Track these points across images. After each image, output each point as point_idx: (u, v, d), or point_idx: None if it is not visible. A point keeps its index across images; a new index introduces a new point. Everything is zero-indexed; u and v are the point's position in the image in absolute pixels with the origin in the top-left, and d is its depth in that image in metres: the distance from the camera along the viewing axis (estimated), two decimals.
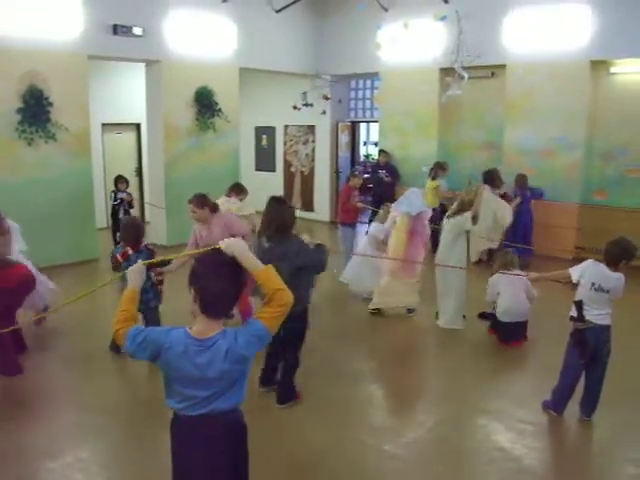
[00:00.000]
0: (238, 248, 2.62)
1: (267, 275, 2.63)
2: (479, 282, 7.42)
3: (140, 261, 2.94)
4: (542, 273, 5.57)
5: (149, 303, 5.99)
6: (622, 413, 5.17)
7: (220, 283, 2.55)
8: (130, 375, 6.08)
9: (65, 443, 4.72)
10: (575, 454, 4.80)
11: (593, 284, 4.74)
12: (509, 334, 6.74)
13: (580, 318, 4.80)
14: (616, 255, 4.72)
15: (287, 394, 5.26)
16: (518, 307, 6.73)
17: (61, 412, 5.21)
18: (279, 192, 15.76)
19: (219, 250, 2.62)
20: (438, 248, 7.38)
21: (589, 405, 5.01)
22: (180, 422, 2.68)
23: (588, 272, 4.78)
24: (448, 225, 7.15)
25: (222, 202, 7.90)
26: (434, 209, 11.04)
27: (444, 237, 7.19)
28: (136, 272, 2.84)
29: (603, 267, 4.74)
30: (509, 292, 6.72)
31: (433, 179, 11.09)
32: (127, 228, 6.21)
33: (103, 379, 5.84)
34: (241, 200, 8.42)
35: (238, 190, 8.52)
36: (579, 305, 4.80)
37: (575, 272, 4.85)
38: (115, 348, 6.17)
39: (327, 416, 5.13)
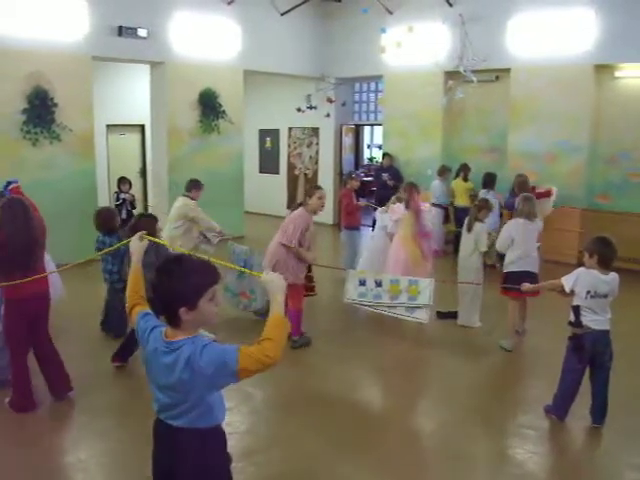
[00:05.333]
0: (276, 286, 2.55)
1: (277, 322, 2.47)
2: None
3: (139, 234, 3.09)
4: (535, 284, 5.57)
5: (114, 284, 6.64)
6: (626, 418, 5.14)
7: (164, 282, 2.44)
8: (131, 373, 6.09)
9: (68, 443, 4.72)
10: (578, 459, 4.77)
11: (588, 292, 4.71)
12: (517, 283, 6.20)
13: (578, 323, 4.79)
14: (609, 257, 4.69)
15: None
16: (529, 258, 6.55)
17: (64, 413, 5.22)
18: (283, 194, 15.81)
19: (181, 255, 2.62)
20: (459, 252, 7.54)
21: (599, 412, 4.97)
22: (154, 421, 2.68)
23: (580, 281, 4.73)
24: (468, 238, 7.28)
25: (183, 205, 7.90)
26: (445, 207, 11.14)
27: (464, 243, 7.38)
28: (134, 247, 3.02)
29: (595, 273, 4.71)
30: (522, 242, 6.55)
31: (465, 180, 11.28)
32: (97, 217, 6.91)
33: (104, 379, 5.84)
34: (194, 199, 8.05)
35: (198, 186, 8.15)
36: (576, 310, 4.78)
37: (567, 282, 4.80)
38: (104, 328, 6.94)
39: (324, 422, 5.12)
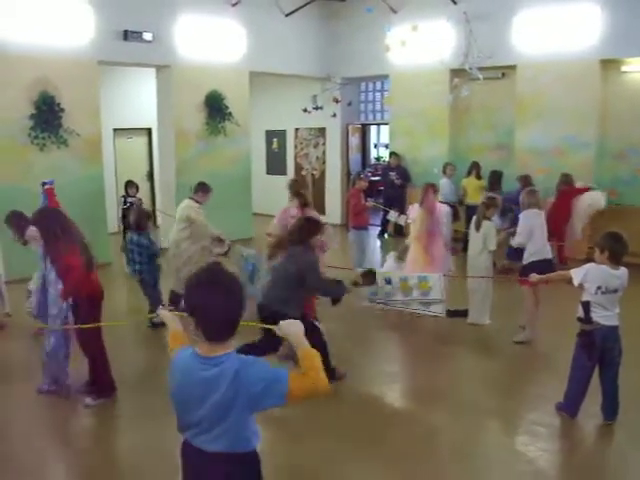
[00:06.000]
0: (295, 331, 2.50)
1: (308, 355, 2.43)
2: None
3: (166, 310, 3.13)
4: (544, 275, 5.54)
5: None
6: (637, 415, 5.11)
7: (217, 305, 2.32)
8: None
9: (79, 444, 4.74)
10: (590, 457, 4.75)
11: (599, 288, 4.67)
12: (539, 272, 6.18)
13: (587, 320, 4.76)
14: (620, 252, 4.67)
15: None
16: (547, 246, 6.68)
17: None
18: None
19: (216, 264, 2.55)
20: (468, 251, 7.52)
21: (610, 408, 4.94)
22: (182, 444, 2.55)
23: (591, 277, 4.70)
24: (477, 237, 7.24)
25: (186, 206, 7.72)
26: (453, 205, 11.16)
27: (473, 242, 7.33)
28: (165, 318, 2.98)
29: (605, 268, 4.67)
30: (541, 232, 6.64)
31: (478, 178, 11.24)
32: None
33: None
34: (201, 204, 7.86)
35: (205, 190, 7.91)
36: (586, 306, 4.75)
37: (577, 276, 4.77)
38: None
39: (333, 419, 5.12)
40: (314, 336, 5.27)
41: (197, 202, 7.79)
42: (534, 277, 5.54)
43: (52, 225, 5.11)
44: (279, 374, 2.33)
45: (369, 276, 6.82)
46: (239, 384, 2.29)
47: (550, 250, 6.73)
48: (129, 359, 6.45)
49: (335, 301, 5.90)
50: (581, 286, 4.76)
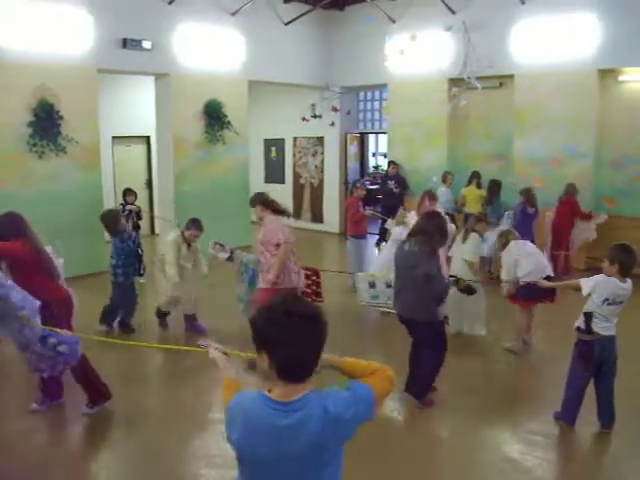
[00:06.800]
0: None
1: (354, 361, 2.32)
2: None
3: (219, 349, 2.68)
4: (552, 284, 5.58)
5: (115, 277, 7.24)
6: (636, 424, 5.10)
7: (300, 343, 2.02)
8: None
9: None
10: (587, 466, 4.73)
11: (607, 299, 4.67)
12: (534, 292, 6.38)
13: (588, 330, 4.75)
14: (630, 265, 4.66)
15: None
16: (538, 266, 6.47)
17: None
18: (289, 204, 15.77)
19: (294, 294, 2.21)
20: (452, 262, 7.40)
21: (607, 416, 4.94)
22: None
23: (600, 288, 4.69)
24: (461, 248, 7.20)
25: (168, 241, 7.26)
26: (451, 214, 11.19)
27: (457, 253, 7.26)
28: (217, 359, 2.64)
29: (614, 280, 4.66)
30: (526, 260, 6.50)
31: (478, 187, 11.25)
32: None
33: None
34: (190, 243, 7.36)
35: (198, 226, 7.34)
36: (589, 317, 4.74)
37: (586, 285, 4.76)
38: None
39: None
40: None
41: (185, 240, 7.26)
42: (543, 283, 5.63)
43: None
44: (359, 390, 2.14)
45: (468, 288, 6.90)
46: (331, 422, 2.04)
47: (546, 267, 6.56)
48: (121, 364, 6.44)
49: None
50: (589, 295, 4.75)
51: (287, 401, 2.04)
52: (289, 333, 2.00)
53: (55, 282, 5.25)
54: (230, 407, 2.17)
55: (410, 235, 5.45)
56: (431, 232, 5.29)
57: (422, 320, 5.29)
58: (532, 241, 9.34)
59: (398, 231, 8.20)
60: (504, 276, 6.68)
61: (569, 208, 9.98)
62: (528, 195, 9.97)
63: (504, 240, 6.80)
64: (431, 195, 8.68)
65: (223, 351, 2.68)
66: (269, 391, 2.09)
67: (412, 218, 8.20)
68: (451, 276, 6.25)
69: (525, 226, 9.37)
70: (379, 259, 8.89)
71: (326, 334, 2.09)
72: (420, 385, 5.49)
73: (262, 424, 2.04)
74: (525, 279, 6.51)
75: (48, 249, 6.47)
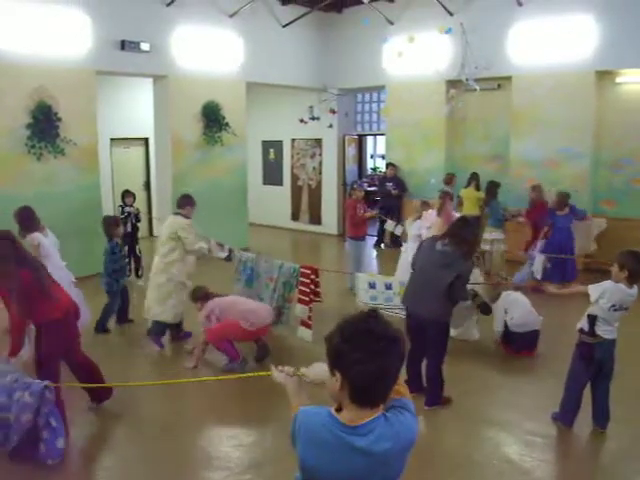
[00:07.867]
0: (320, 373, 2.25)
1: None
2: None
3: (291, 372, 2.50)
4: (559, 290, 5.65)
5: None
6: (635, 424, 5.12)
7: (379, 365, 1.91)
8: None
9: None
10: (585, 466, 4.74)
11: (613, 306, 4.66)
12: (522, 344, 6.72)
13: (592, 333, 4.75)
14: (639, 272, 4.64)
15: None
16: (530, 317, 6.74)
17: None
18: (287, 206, 15.82)
19: (372, 312, 2.04)
20: None
21: (602, 416, 4.96)
22: None
23: (608, 294, 4.66)
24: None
25: (173, 223, 6.91)
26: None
27: None
28: (283, 382, 2.49)
29: (622, 287, 4.64)
30: (518, 307, 6.75)
31: (477, 189, 11.23)
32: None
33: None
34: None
35: (192, 202, 7.10)
36: (593, 320, 4.73)
37: (594, 292, 4.73)
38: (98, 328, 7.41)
39: None
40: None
41: (185, 217, 6.96)
42: (551, 289, 5.68)
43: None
44: (412, 406, 2.10)
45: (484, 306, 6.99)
46: (402, 443, 2.00)
47: (537, 321, 6.77)
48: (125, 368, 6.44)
49: None
50: (596, 301, 4.74)
51: (356, 425, 1.96)
52: (369, 353, 1.90)
53: (53, 302, 4.82)
54: (300, 425, 2.11)
55: (444, 236, 5.43)
56: (468, 239, 5.32)
57: (443, 321, 5.34)
58: (571, 246, 9.48)
59: (416, 225, 8.22)
60: (496, 327, 6.91)
61: (538, 212, 10.03)
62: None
63: (495, 295, 7.06)
64: (451, 196, 8.67)
65: (290, 373, 2.48)
66: (336, 410, 2.02)
67: (431, 217, 8.21)
68: (473, 290, 6.30)
69: (563, 232, 9.39)
70: (402, 264, 8.40)
71: (403, 357, 2.00)
72: (434, 389, 5.48)
73: (327, 441, 1.99)
74: (517, 329, 6.70)
75: (50, 238, 6.64)
